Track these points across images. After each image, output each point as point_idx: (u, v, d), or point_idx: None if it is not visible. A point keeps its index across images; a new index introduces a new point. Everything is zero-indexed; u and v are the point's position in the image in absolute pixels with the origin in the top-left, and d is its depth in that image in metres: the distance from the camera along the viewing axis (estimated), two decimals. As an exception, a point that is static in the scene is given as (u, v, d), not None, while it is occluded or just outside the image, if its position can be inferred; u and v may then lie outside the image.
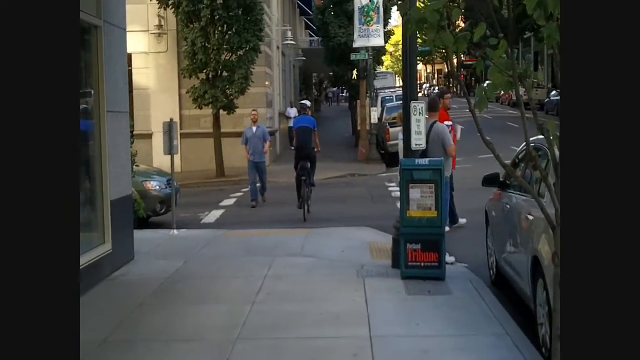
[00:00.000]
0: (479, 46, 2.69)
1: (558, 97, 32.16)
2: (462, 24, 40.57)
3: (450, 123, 9.41)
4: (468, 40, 2.62)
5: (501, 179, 6.89)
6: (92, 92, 7.29)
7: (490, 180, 6.99)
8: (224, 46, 18.41)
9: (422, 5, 3.02)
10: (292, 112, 25.97)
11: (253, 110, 14.77)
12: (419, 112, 7.43)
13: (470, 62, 51.57)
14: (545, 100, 34.19)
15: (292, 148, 13.64)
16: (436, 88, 67.03)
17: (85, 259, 6.71)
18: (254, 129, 13.98)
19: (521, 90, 2.90)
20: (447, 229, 7.69)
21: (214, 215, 12.92)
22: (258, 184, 14.10)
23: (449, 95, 10.71)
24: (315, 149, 12.63)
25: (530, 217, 5.46)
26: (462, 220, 9.79)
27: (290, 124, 23.76)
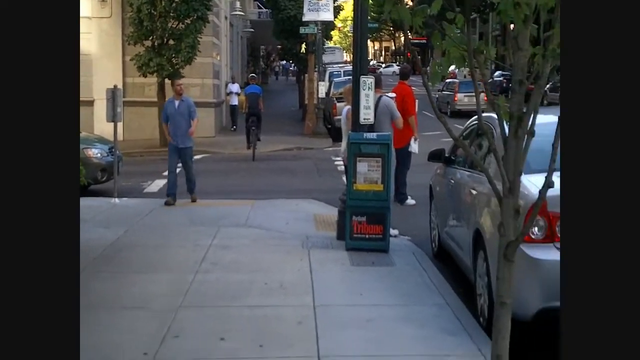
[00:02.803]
0: (435, 20, 2.70)
1: (501, 78, 32.93)
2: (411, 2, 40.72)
3: (394, 95, 9.54)
4: (425, 15, 2.62)
5: (446, 155, 7.01)
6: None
7: (435, 156, 7.12)
8: (171, 14, 17.98)
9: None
10: (234, 87, 23.96)
11: (177, 81, 11.18)
12: (368, 87, 7.46)
13: (418, 41, 51.97)
14: (489, 80, 34.89)
15: (243, 112, 18.38)
16: (393, 64, 67.48)
17: (23, 225, 6.51)
18: (177, 103, 10.28)
19: (466, 71, 2.92)
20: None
21: (157, 184, 12.71)
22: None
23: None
24: (261, 109, 17.71)
25: (474, 192, 5.59)
26: (410, 201, 9.92)
27: (231, 101, 23.69)
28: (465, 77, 37.29)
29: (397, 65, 62.55)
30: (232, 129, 23.43)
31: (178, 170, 10.28)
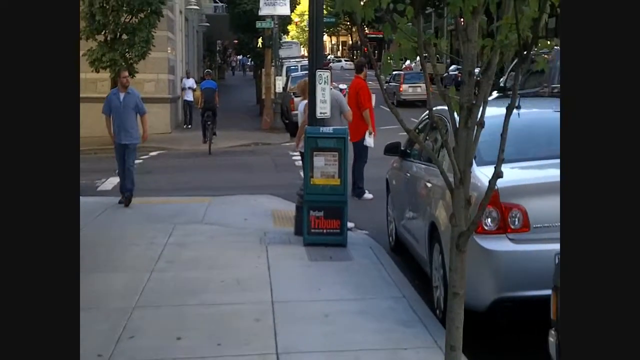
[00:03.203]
0: (386, 13, 2.70)
1: (456, 72, 33.37)
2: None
3: (344, 87, 9.61)
4: (376, 7, 2.62)
5: (402, 148, 7.06)
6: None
7: (391, 149, 7.16)
8: (124, 8, 17.64)
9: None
10: (189, 82, 23.30)
11: (123, 71, 10.23)
12: (324, 81, 7.45)
13: (374, 36, 52.31)
14: (444, 74, 35.34)
15: (199, 107, 18.79)
16: (342, 60, 67.63)
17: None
18: (122, 96, 9.38)
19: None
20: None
21: (110, 182, 12.46)
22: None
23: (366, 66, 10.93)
24: (217, 104, 18.23)
25: (429, 185, 5.65)
26: (368, 195, 9.97)
27: (185, 96, 23.07)
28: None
29: (346, 61, 62.88)
30: (187, 126, 22.74)
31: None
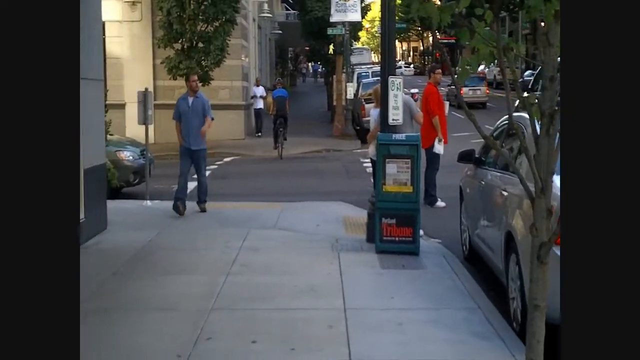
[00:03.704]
0: (463, 17, 2.67)
1: (531, 78, 32.57)
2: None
3: (416, 90, 9.54)
4: (453, 12, 2.60)
5: (476, 156, 6.95)
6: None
7: (465, 157, 7.06)
8: (200, 17, 18.15)
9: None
10: (259, 91, 22.93)
11: (192, 76, 9.81)
12: (397, 87, 7.43)
13: (445, 41, 51.63)
14: (520, 80, 34.56)
15: (271, 113, 19.64)
16: (411, 65, 67.10)
17: (57, 228, 6.63)
18: (191, 100, 9.27)
19: (496, 70, 2.90)
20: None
21: (188, 187, 12.80)
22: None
23: (439, 70, 10.66)
24: (287, 112, 19.07)
25: (505, 193, 5.53)
26: (440, 204, 9.85)
27: (255, 105, 22.94)
28: (495, 77, 36.97)
29: (406, 66, 62.10)
30: (258, 135, 22.55)
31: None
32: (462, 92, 28.97)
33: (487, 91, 30.40)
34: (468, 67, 2.73)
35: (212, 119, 9.48)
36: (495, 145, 3.48)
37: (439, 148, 9.79)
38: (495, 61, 2.88)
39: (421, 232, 7.83)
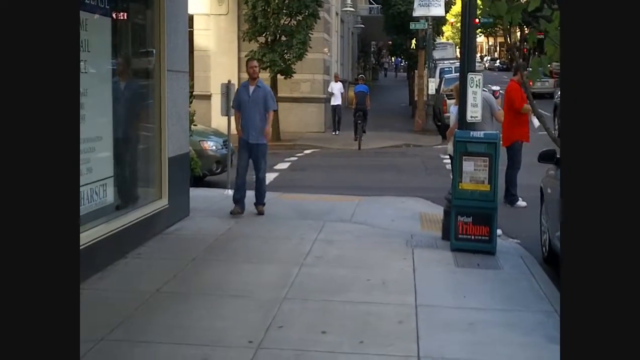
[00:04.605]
0: (534, 17, 2.63)
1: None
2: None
3: (497, 88, 9.33)
4: (523, 11, 2.55)
5: (558, 156, 6.74)
6: (154, 51, 7.44)
7: (546, 157, 6.86)
8: (284, 10, 18.40)
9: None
10: (337, 87, 21.62)
11: (252, 61, 8.91)
12: (476, 84, 7.30)
13: (538, 37, 50.06)
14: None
15: (352, 107, 20.77)
16: (497, 61, 65.43)
17: (141, 213, 6.94)
18: (252, 89, 8.34)
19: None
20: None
21: (267, 178, 13.03)
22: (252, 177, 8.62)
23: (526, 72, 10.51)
24: (367, 107, 19.88)
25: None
26: (521, 203, 9.62)
27: (333, 101, 21.63)
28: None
29: (478, 62, 60.33)
30: (335, 133, 21.30)
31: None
32: (530, 82, 28.31)
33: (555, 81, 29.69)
34: (540, 68, 2.68)
35: (275, 110, 8.52)
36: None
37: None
38: None
39: (500, 231, 7.70)
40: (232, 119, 11.22)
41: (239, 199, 8.41)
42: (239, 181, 8.42)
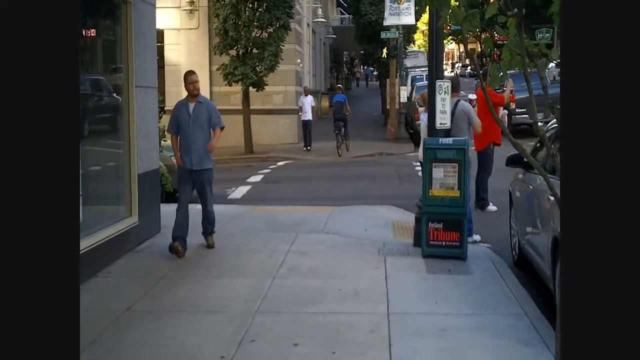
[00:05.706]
0: (492, 25, 2.68)
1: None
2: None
3: (474, 97, 9.43)
4: (480, 19, 2.61)
5: (525, 160, 6.83)
6: (122, 67, 7.41)
7: (514, 161, 6.95)
8: (255, 23, 18.46)
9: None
10: (307, 101, 20.54)
11: (191, 75, 7.35)
12: (444, 91, 7.39)
13: (503, 42, 50.69)
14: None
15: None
16: (468, 67, 66.12)
17: (111, 231, 6.88)
18: (192, 107, 7.11)
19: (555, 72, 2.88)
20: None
21: (240, 191, 13.06)
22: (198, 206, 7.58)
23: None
24: (347, 114, 19.94)
25: (552, 198, 5.43)
26: (492, 208, 9.71)
27: (304, 116, 20.55)
28: (554, 77, 36.02)
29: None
30: (307, 148, 20.38)
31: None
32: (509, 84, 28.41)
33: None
34: (498, 74, 2.73)
35: (222, 128, 7.25)
36: (524, 151, 3.40)
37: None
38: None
39: (478, 237, 7.78)
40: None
41: (180, 236, 7.00)
42: (179, 217, 7.08)
